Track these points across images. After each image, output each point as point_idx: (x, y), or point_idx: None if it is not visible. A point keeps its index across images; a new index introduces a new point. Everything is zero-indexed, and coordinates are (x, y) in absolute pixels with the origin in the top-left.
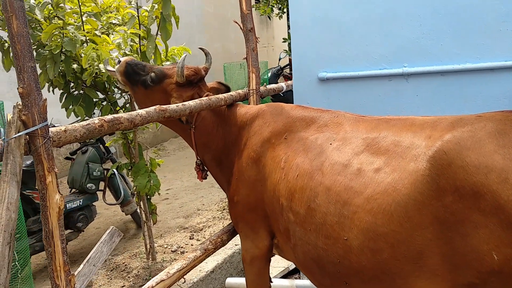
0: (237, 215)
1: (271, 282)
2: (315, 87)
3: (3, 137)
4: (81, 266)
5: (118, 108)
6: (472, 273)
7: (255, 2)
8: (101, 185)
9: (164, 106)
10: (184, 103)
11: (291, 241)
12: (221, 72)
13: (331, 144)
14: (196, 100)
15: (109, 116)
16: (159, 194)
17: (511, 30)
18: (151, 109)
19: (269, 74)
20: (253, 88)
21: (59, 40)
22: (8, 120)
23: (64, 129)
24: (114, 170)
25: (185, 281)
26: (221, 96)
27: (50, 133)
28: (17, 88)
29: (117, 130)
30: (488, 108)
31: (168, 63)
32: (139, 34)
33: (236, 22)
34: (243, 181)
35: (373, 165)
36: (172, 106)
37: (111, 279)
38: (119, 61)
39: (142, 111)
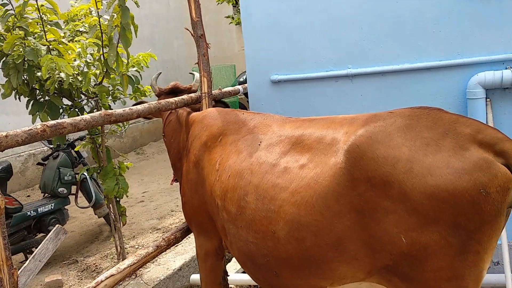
0: (187, 215)
1: (228, 276)
2: (268, 89)
3: None
4: (27, 262)
5: (85, 113)
6: (386, 256)
7: (233, 6)
8: (74, 189)
9: (110, 111)
10: (132, 107)
11: (227, 238)
12: None
13: (259, 144)
14: (144, 104)
15: (52, 122)
16: (127, 196)
17: (444, 31)
18: (96, 114)
19: (245, 77)
20: (205, 92)
21: (21, 49)
22: None
23: (5, 135)
24: (85, 174)
25: (136, 276)
26: (171, 99)
27: None
28: None
29: (60, 135)
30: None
31: (134, 69)
32: (101, 43)
33: (187, 29)
34: (187, 184)
35: (298, 162)
36: (118, 111)
37: (81, 279)
38: None
39: (87, 116)
